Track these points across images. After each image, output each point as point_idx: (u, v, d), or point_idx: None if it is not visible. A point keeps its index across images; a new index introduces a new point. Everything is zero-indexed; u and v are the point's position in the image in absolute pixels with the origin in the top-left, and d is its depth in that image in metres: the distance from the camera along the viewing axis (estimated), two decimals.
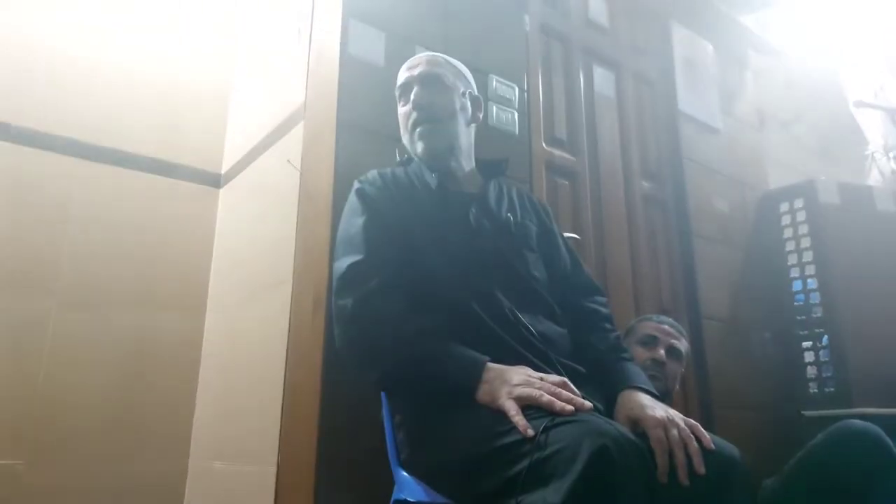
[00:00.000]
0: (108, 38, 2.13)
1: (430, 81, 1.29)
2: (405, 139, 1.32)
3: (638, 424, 0.99)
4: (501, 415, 0.89)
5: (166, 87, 2.20)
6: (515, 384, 0.92)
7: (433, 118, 1.26)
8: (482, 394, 0.93)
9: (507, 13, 2.05)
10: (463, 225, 1.19)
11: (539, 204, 1.41)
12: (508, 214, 1.26)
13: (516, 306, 1.11)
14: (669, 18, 2.66)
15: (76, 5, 2.09)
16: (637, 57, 2.52)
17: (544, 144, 2.05)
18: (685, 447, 0.92)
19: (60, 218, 1.92)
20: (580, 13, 2.37)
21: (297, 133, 1.72)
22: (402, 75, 1.33)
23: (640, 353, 1.62)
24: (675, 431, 0.94)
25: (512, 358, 1.02)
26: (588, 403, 0.88)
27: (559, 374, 1.03)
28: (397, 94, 1.35)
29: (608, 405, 1.09)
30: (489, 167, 1.35)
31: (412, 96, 1.27)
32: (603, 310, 1.31)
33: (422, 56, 1.35)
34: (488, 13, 1.98)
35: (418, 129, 1.26)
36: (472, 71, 1.85)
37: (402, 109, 1.31)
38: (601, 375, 1.15)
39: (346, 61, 1.61)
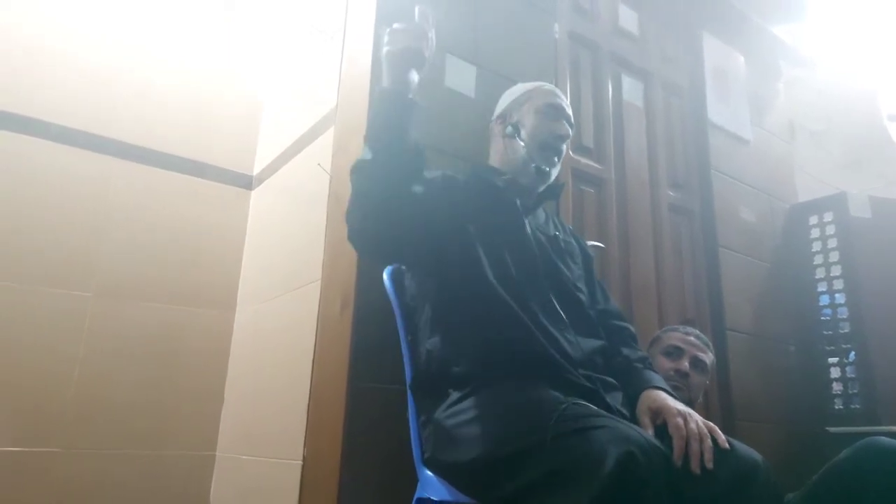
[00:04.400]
0: (149, 47, 2.20)
1: (568, 123, 1.38)
2: (538, 147, 1.32)
3: (658, 414, 1.04)
4: (528, 415, 0.92)
5: (202, 91, 2.26)
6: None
7: (561, 155, 1.36)
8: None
9: (536, 21, 2.06)
10: (521, 229, 1.25)
11: (574, 232, 1.48)
12: (556, 232, 1.34)
13: (565, 315, 1.18)
14: (700, 28, 2.65)
15: (121, 22, 2.17)
16: (667, 66, 2.52)
17: (571, 152, 2.06)
18: (701, 441, 0.96)
19: (100, 215, 1.99)
20: (610, 21, 2.37)
21: (327, 137, 1.76)
22: (553, 98, 1.38)
23: (665, 363, 1.62)
24: (693, 424, 0.99)
25: (548, 367, 1.06)
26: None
27: (592, 384, 1.08)
28: (544, 105, 1.36)
29: (632, 406, 1.12)
30: (547, 190, 1.38)
31: (563, 125, 1.35)
32: (631, 329, 1.38)
33: (559, 92, 1.41)
34: (518, 21, 2.00)
35: (556, 158, 1.34)
36: (502, 79, 1.90)
37: (549, 124, 1.35)
38: (626, 379, 1.19)
39: (378, 66, 1.63)
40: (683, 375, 1.59)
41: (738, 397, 2.31)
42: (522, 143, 1.31)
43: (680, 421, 1.00)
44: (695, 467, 0.94)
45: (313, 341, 1.57)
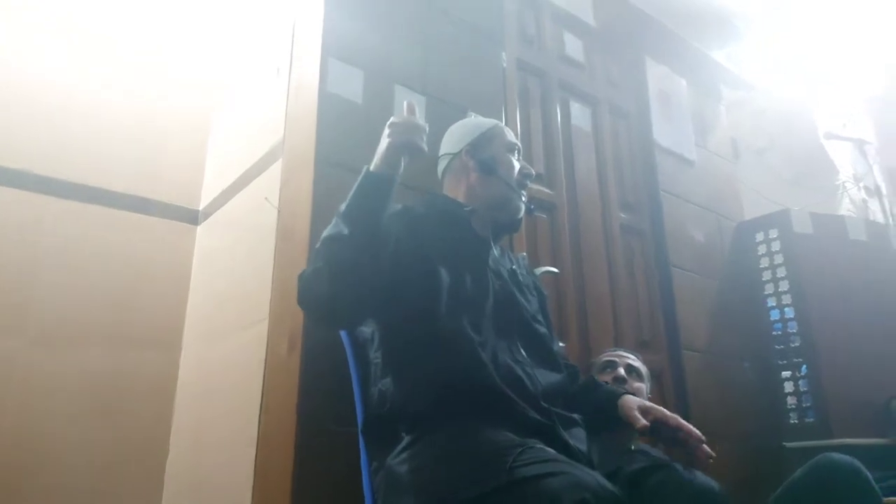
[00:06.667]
0: (83, 72, 2.12)
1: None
2: (506, 186, 1.34)
3: (649, 412, 1.13)
4: (482, 461, 0.90)
5: (143, 122, 2.18)
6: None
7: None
8: None
9: (484, 50, 2.08)
10: (482, 263, 1.26)
11: (527, 266, 1.48)
12: (513, 266, 1.34)
13: (525, 350, 1.19)
14: (643, 53, 2.72)
15: (48, 37, 2.08)
16: (613, 91, 2.57)
17: None
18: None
19: (31, 256, 1.88)
20: (556, 49, 2.41)
21: (275, 170, 1.71)
22: (513, 137, 1.42)
23: (603, 377, 1.70)
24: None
25: (504, 404, 1.06)
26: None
27: (550, 420, 1.08)
28: (508, 143, 1.40)
29: (606, 417, 1.19)
30: (509, 223, 1.39)
31: (523, 162, 1.40)
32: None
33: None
34: (465, 51, 2.01)
35: (524, 192, 1.37)
36: (450, 108, 1.90)
37: (517, 162, 1.38)
38: (595, 394, 1.26)
39: (325, 99, 1.62)
40: (621, 381, 1.65)
41: (695, 416, 2.32)
42: (500, 180, 1.32)
43: (679, 419, 1.12)
44: (703, 458, 1.08)
45: (261, 384, 1.51)
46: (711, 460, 1.09)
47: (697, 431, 1.11)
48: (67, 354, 1.86)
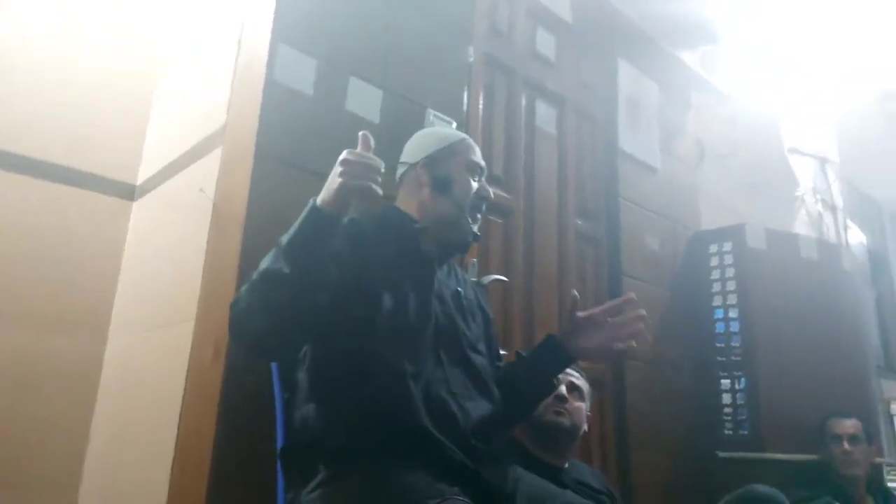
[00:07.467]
0: (12, 29, 1.95)
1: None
2: (471, 207, 1.29)
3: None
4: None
5: (80, 87, 2.03)
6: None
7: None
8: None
9: (451, 43, 1.98)
10: (427, 286, 1.20)
11: (474, 285, 1.43)
12: (459, 288, 1.29)
13: (461, 380, 1.16)
14: (616, 55, 2.65)
15: None
16: (581, 92, 2.50)
17: None
18: None
19: None
20: (527, 44, 2.32)
21: (214, 158, 1.61)
22: (476, 155, 1.34)
23: None
24: None
25: (427, 444, 1.03)
26: None
27: (475, 459, 1.06)
28: (469, 162, 1.32)
29: (552, 351, 1.28)
30: (459, 243, 1.33)
31: (486, 185, 1.33)
32: None
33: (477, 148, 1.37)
34: (430, 43, 1.91)
35: (478, 216, 1.31)
36: (408, 103, 1.81)
37: (476, 183, 1.32)
38: (530, 365, 1.30)
39: (271, 87, 1.52)
40: (562, 399, 1.61)
41: (633, 424, 2.35)
42: (452, 201, 1.26)
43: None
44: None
45: (183, 388, 1.43)
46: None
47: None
48: None
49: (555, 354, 1.28)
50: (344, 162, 1.00)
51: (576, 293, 1.34)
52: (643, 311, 1.24)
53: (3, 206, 1.83)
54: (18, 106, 1.91)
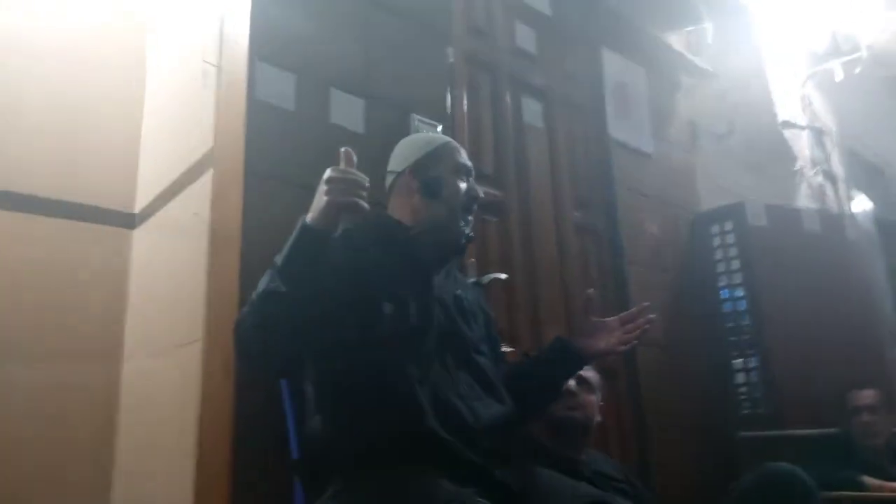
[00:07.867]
0: (12, 71, 1.98)
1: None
2: (462, 209, 1.31)
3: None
4: None
5: (70, 123, 2.06)
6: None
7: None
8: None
9: (430, 46, 1.99)
10: (425, 292, 1.21)
11: (473, 284, 1.47)
12: (458, 291, 1.30)
13: (468, 382, 1.17)
14: (599, 43, 2.65)
15: None
16: (567, 83, 2.51)
17: None
18: None
19: None
20: (507, 40, 2.33)
21: (206, 181, 1.62)
22: (463, 156, 1.36)
23: None
24: None
25: (439, 447, 1.04)
26: None
27: (487, 459, 1.07)
28: (457, 164, 1.34)
29: (562, 354, 1.32)
30: (451, 250, 1.35)
31: (471, 184, 1.34)
32: None
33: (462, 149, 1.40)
34: (410, 47, 1.92)
35: (470, 217, 1.33)
36: (392, 109, 1.82)
37: (465, 184, 1.33)
38: (538, 368, 1.34)
39: (254, 107, 1.54)
40: (571, 395, 1.61)
41: (650, 409, 2.33)
42: (444, 204, 1.28)
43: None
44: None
45: (198, 406, 1.45)
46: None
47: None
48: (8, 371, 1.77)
49: (566, 357, 1.31)
50: (329, 180, 1.03)
51: (590, 293, 1.37)
52: (653, 316, 1.31)
53: (8, 245, 1.86)
54: (14, 146, 1.94)
